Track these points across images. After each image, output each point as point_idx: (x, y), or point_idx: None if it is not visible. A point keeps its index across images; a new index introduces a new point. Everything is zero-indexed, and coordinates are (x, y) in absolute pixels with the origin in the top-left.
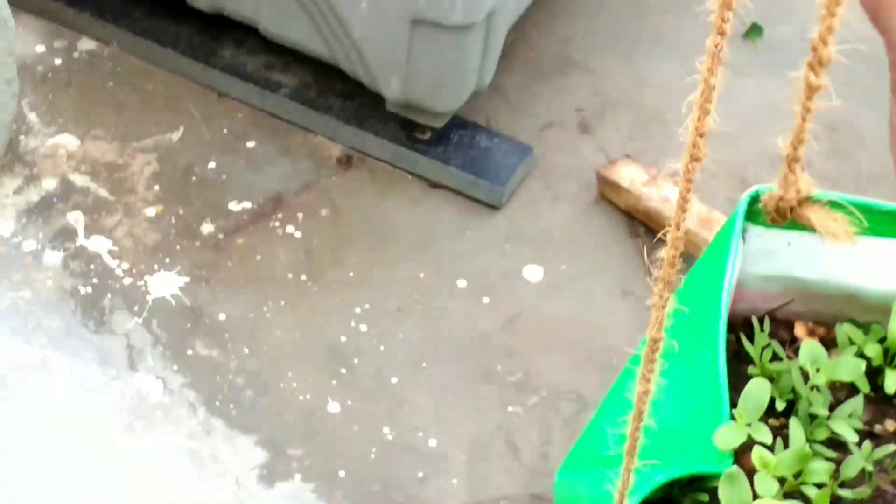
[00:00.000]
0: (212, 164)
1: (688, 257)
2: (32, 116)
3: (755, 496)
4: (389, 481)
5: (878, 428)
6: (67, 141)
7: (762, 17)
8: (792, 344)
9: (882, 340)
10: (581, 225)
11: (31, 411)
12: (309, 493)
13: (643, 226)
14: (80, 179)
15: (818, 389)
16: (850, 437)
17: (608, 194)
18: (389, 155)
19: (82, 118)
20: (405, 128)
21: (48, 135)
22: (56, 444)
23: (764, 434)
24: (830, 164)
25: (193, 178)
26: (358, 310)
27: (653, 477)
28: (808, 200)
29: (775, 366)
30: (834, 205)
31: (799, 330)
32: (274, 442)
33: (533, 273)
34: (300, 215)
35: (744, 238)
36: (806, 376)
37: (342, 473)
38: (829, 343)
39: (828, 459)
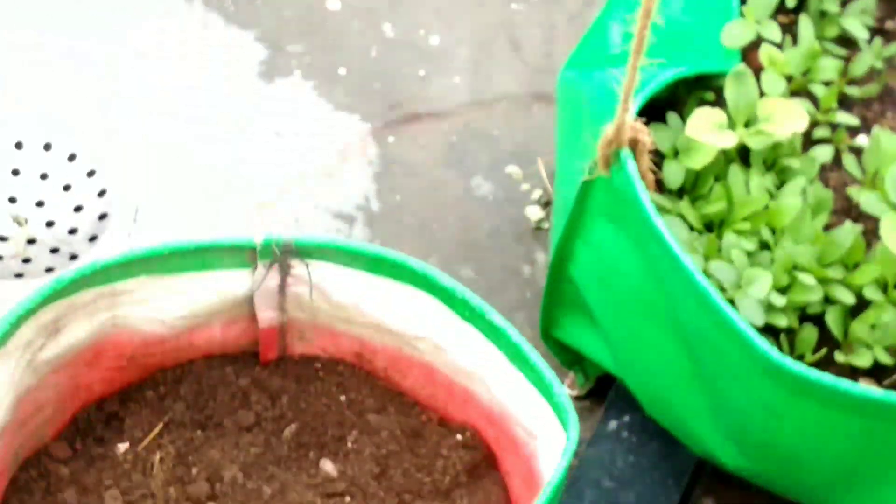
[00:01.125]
0: None
1: None
2: None
3: (762, 94)
4: (391, 79)
5: (889, 25)
6: None
7: None
8: None
9: None
10: None
11: None
12: (310, 89)
13: None
14: None
15: None
16: (861, 34)
17: None
18: None
19: None
20: None
21: None
22: (60, 30)
23: (773, 31)
24: None
25: None
26: None
27: (659, 75)
28: None
29: None
30: None
31: None
32: (273, 38)
33: None
34: None
35: None
36: None
37: (342, 71)
38: None
39: (837, 57)
